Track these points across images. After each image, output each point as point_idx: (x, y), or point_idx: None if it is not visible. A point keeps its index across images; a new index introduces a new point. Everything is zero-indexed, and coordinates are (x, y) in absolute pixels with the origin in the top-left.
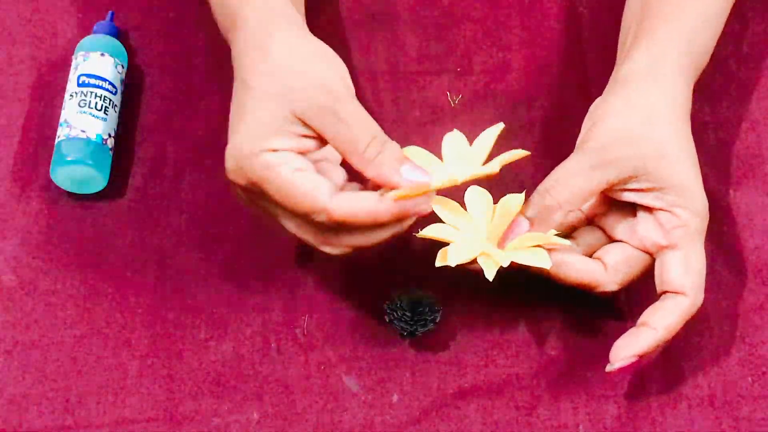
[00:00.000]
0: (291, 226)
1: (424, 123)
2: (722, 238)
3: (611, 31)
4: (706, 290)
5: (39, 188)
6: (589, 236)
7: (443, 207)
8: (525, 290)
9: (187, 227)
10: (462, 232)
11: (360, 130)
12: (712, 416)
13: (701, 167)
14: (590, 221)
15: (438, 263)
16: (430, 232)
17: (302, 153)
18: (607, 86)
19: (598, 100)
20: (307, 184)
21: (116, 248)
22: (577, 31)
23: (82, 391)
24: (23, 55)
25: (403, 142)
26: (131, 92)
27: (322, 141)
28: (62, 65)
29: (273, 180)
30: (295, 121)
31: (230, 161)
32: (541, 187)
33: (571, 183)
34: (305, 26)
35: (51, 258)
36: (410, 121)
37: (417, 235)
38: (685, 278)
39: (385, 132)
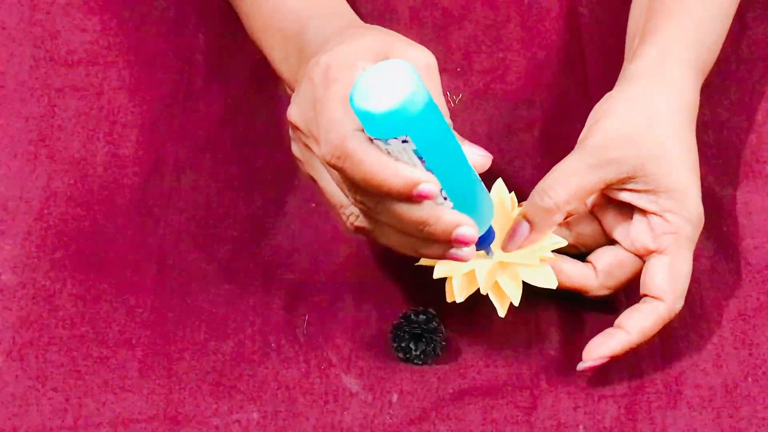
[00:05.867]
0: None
1: None
2: (722, 238)
3: (611, 31)
4: (706, 290)
5: (39, 188)
6: (583, 226)
7: None
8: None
9: (187, 227)
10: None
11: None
12: (712, 416)
13: (701, 167)
14: (590, 212)
15: (449, 299)
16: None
17: None
18: (615, 84)
19: (604, 97)
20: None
21: (116, 248)
22: (577, 31)
23: (82, 391)
24: (24, 55)
25: None
26: (131, 92)
27: None
28: (63, 65)
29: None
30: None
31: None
32: (539, 187)
33: (570, 183)
34: None
35: (51, 258)
36: None
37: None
38: (666, 284)
39: None
